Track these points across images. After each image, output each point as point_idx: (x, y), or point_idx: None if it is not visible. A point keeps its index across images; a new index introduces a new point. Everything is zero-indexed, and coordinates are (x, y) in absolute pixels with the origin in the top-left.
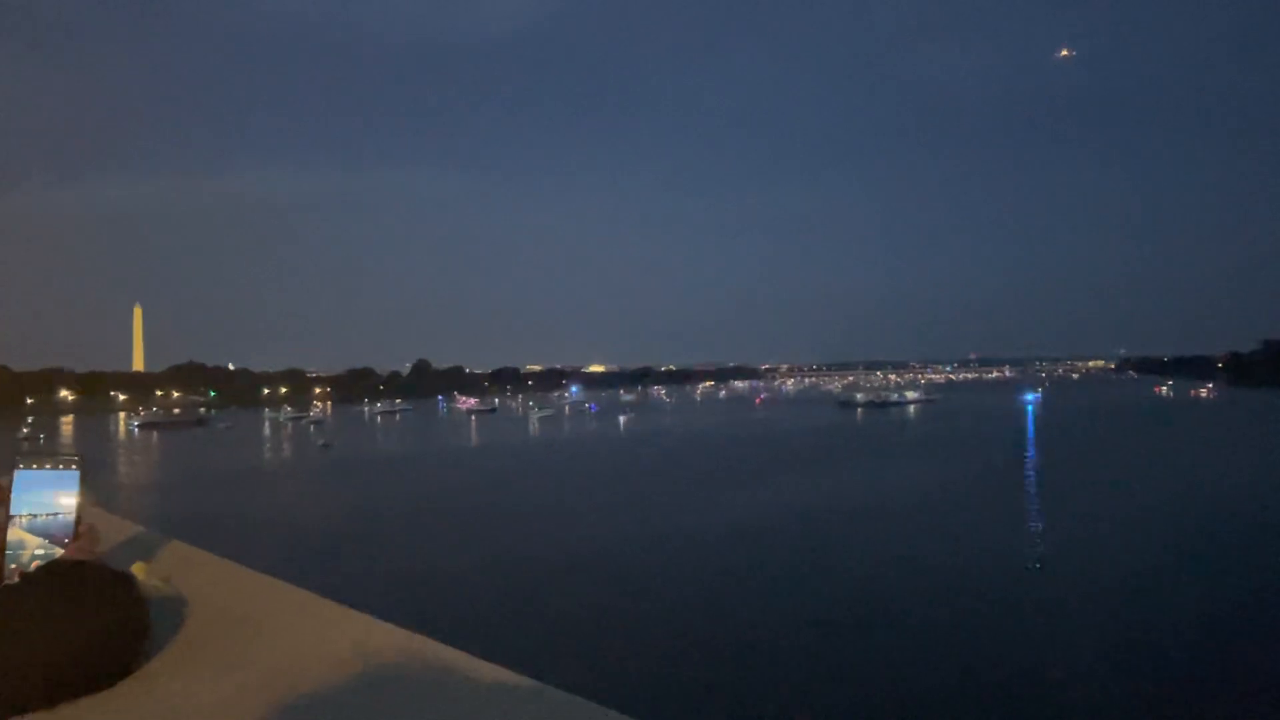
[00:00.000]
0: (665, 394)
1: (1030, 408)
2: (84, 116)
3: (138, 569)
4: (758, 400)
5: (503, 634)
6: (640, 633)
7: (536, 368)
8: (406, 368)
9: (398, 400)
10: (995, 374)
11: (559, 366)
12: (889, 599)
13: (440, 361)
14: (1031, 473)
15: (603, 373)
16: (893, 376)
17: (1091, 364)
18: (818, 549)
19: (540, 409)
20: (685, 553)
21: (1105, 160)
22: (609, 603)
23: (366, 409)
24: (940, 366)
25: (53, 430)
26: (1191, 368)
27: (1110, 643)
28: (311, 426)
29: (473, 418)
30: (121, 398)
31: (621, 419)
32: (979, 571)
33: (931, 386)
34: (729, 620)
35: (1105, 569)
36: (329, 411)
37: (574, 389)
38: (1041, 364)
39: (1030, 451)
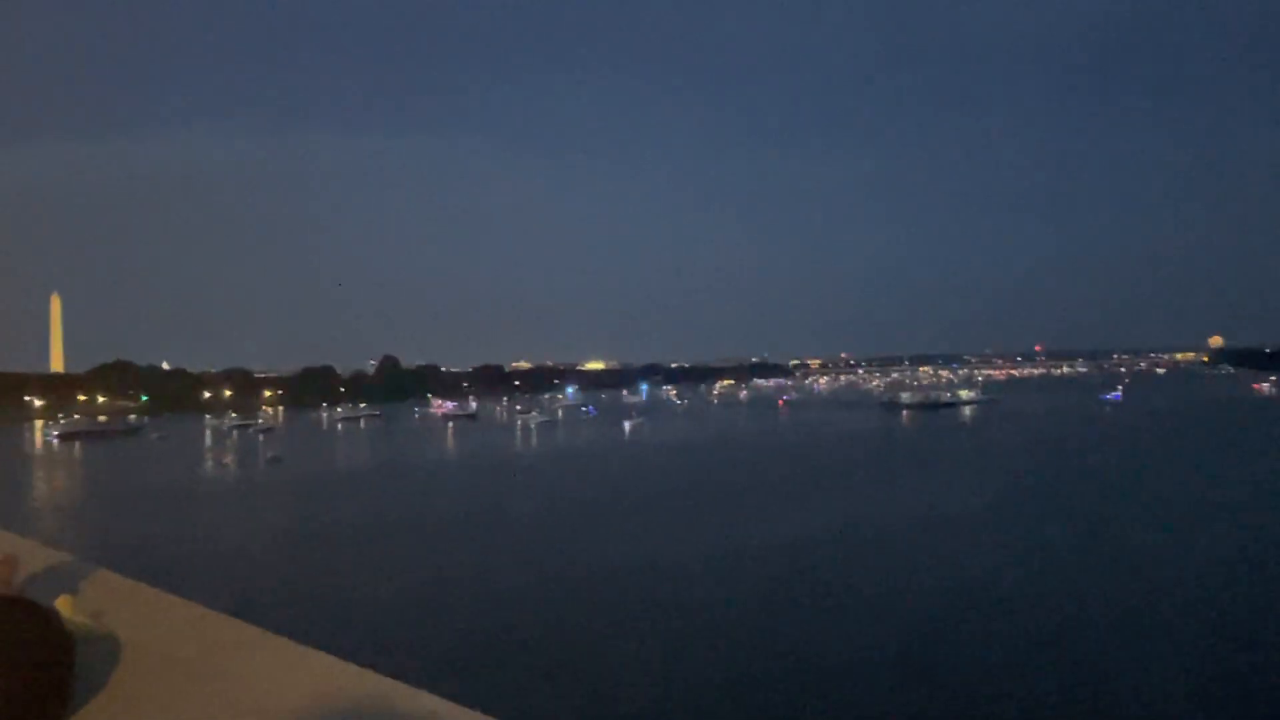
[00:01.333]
0: (676, 394)
1: (1103, 409)
2: None
3: (62, 604)
4: (781, 403)
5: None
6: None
7: (524, 365)
8: (372, 366)
9: (362, 404)
10: (1066, 369)
11: (551, 364)
12: (959, 651)
13: (411, 359)
14: (1116, 492)
15: (602, 370)
16: (944, 373)
17: (1179, 356)
18: (877, 586)
19: (531, 413)
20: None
21: (1195, 123)
22: (571, 651)
23: (325, 415)
24: (1000, 361)
25: None
26: None
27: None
28: (260, 436)
29: (450, 424)
30: (38, 403)
31: (627, 425)
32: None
33: (991, 384)
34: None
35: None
36: (280, 418)
37: (569, 390)
38: (1120, 356)
39: (1112, 465)
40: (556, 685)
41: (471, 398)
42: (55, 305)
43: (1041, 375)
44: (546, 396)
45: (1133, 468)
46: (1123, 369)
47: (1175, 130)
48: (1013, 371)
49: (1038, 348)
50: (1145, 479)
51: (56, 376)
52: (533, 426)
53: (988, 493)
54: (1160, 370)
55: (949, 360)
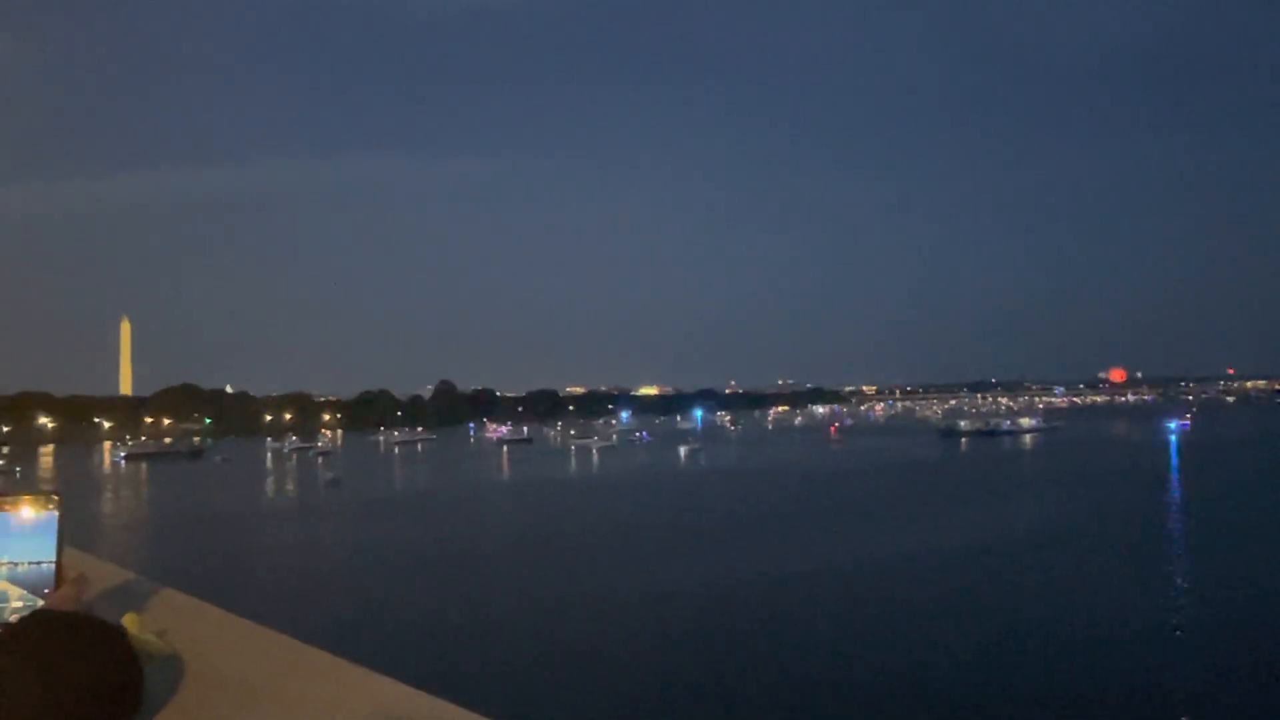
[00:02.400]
0: (730, 421)
1: (1174, 439)
2: (59, 107)
3: (129, 621)
4: (832, 430)
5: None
6: None
7: (578, 390)
8: (428, 391)
9: (418, 428)
10: (1131, 396)
11: (605, 389)
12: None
13: (466, 383)
14: (1180, 530)
15: (656, 396)
16: (1004, 400)
17: (1250, 384)
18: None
19: (585, 438)
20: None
21: (1263, 137)
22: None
23: (382, 438)
24: (1062, 389)
25: (30, 463)
26: None
27: None
28: (319, 459)
29: (505, 448)
30: (107, 425)
31: (683, 450)
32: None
33: (1052, 411)
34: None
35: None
36: (339, 441)
37: (624, 415)
38: (1188, 384)
39: (1176, 498)
40: (600, 696)
41: (524, 424)
42: (125, 330)
43: (1105, 403)
44: (600, 421)
45: (1199, 496)
46: (1189, 397)
47: (1249, 149)
48: (1074, 399)
49: (1115, 374)
50: (1211, 508)
51: (125, 399)
52: (594, 451)
53: (1046, 520)
54: (1229, 399)
55: (1009, 388)
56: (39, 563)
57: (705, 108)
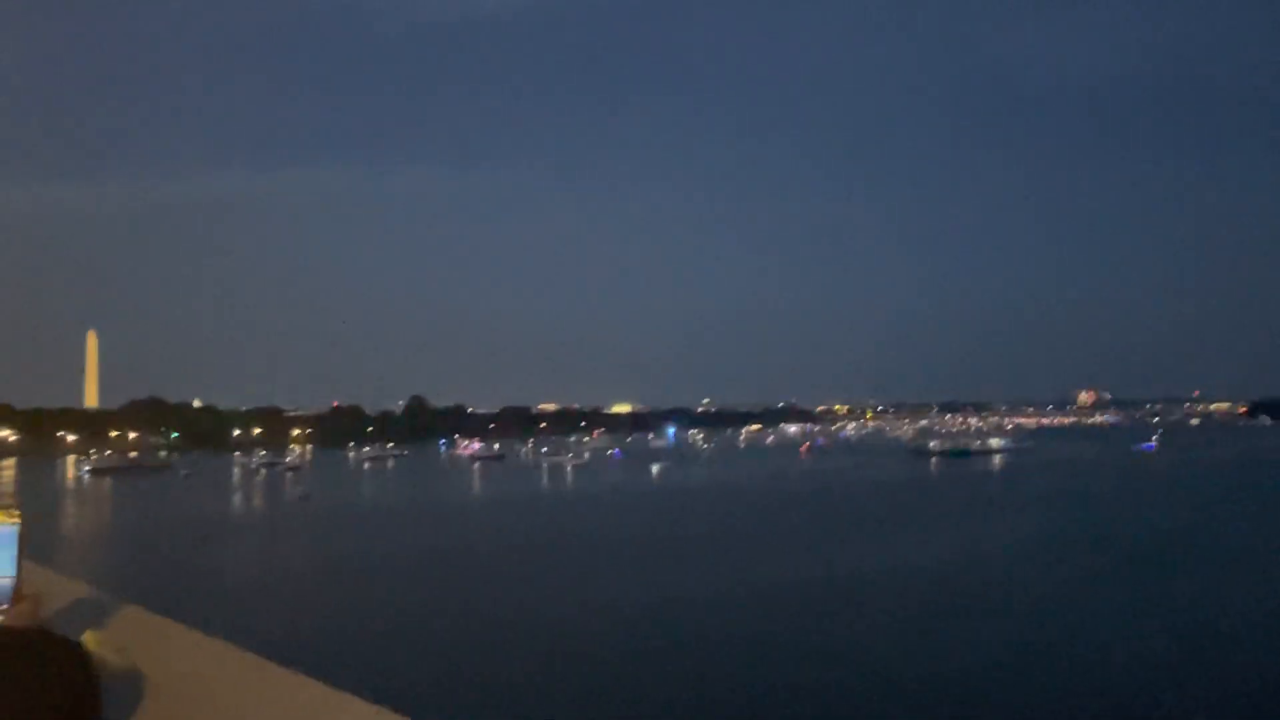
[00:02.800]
0: (703, 439)
1: (1135, 461)
2: (22, 110)
3: (89, 638)
4: (803, 450)
5: None
6: None
7: (550, 407)
8: (399, 406)
9: (389, 444)
10: (1100, 417)
11: (577, 406)
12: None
13: (438, 400)
14: (1151, 543)
15: (629, 414)
16: (974, 420)
17: (1214, 406)
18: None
19: (557, 455)
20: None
21: (1238, 163)
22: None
23: (353, 454)
24: (1030, 409)
25: None
26: None
27: None
28: (288, 474)
29: (476, 465)
30: (70, 439)
31: (655, 469)
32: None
33: (1021, 433)
34: None
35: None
36: (308, 457)
37: (597, 433)
38: (1154, 406)
39: (1148, 515)
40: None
41: (496, 441)
42: (91, 342)
43: (1072, 424)
44: (572, 439)
45: (1169, 518)
46: (1156, 419)
47: (1215, 172)
48: (1043, 420)
49: (1084, 396)
50: (1181, 529)
51: (90, 413)
52: (566, 469)
53: (1014, 543)
54: (1194, 421)
55: (979, 408)
56: None
57: (682, 124)
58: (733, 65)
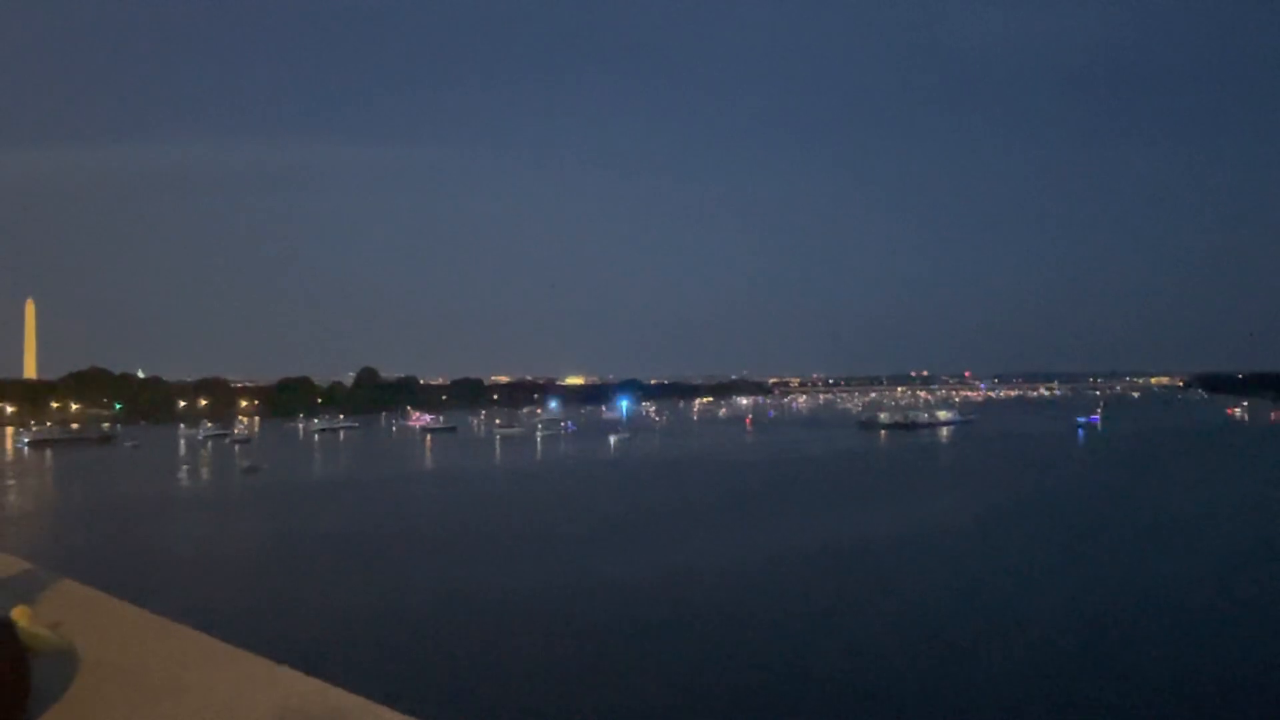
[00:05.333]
0: (655, 411)
1: (1081, 432)
2: None
3: (19, 614)
4: (747, 421)
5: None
6: None
7: (503, 379)
8: (350, 378)
9: (340, 416)
10: (1044, 391)
11: (530, 378)
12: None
13: (389, 371)
14: (1103, 508)
15: (582, 386)
16: (922, 394)
17: (1154, 380)
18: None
19: (509, 427)
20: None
21: (1176, 144)
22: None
23: (302, 426)
24: (978, 382)
25: None
26: (1271, 386)
27: None
28: (235, 446)
29: (428, 437)
30: (9, 409)
31: (613, 439)
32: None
33: (968, 405)
34: None
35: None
36: (256, 429)
37: (552, 404)
38: (1095, 380)
39: (1101, 482)
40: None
41: (447, 413)
42: (30, 311)
43: (1017, 396)
44: (525, 411)
45: (1120, 484)
46: (1099, 392)
47: (1156, 158)
48: (989, 393)
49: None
50: (1136, 495)
51: (29, 383)
52: (516, 440)
53: (965, 510)
54: (1135, 394)
55: (927, 381)
56: None
57: (636, 100)
58: (676, 38)
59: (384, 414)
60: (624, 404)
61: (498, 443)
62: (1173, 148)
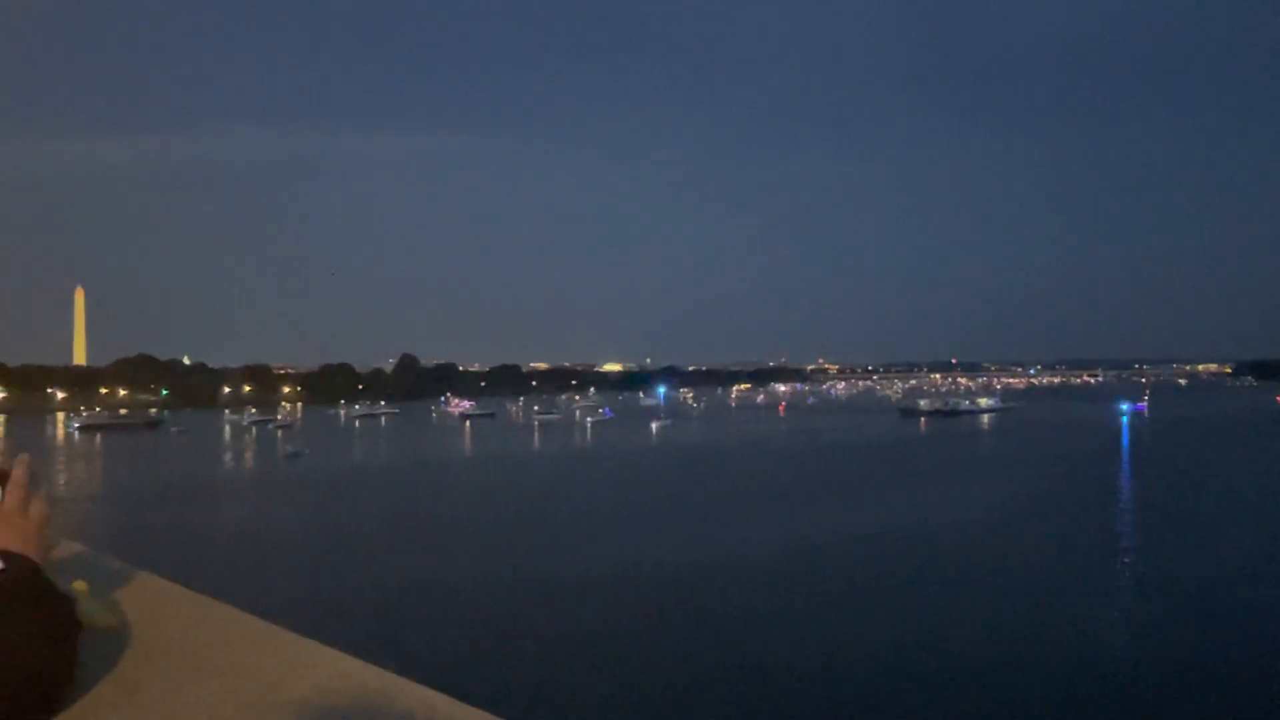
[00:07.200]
0: (693, 398)
1: (1126, 420)
2: (15, 64)
3: (77, 587)
4: (780, 407)
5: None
6: None
7: (542, 366)
8: (390, 364)
9: (380, 402)
10: (1086, 378)
11: (568, 365)
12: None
13: (429, 358)
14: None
15: (620, 372)
16: (963, 380)
17: (1201, 367)
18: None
19: (548, 414)
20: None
21: (1225, 130)
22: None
23: (343, 412)
24: (1019, 369)
25: None
26: None
27: None
28: (279, 432)
29: (467, 423)
30: (60, 396)
31: (654, 426)
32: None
33: (1010, 392)
34: None
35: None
36: (299, 414)
37: (592, 391)
38: (1141, 367)
39: (1128, 481)
40: (544, 669)
41: (486, 399)
42: (79, 299)
43: (1061, 384)
44: (563, 397)
45: (1166, 476)
46: (1144, 379)
47: (1201, 140)
48: (1031, 380)
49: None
50: (1179, 486)
51: (79, 370)
52: (555, 427)
53: (999, 501)
54: (1182, 381)
55: (968, 368)
56: None
57: (675, 88)
58: (716, 36)
59: (424, 400)
60: (661, 391)
61: (536, 429)
62: (1233, 134)
